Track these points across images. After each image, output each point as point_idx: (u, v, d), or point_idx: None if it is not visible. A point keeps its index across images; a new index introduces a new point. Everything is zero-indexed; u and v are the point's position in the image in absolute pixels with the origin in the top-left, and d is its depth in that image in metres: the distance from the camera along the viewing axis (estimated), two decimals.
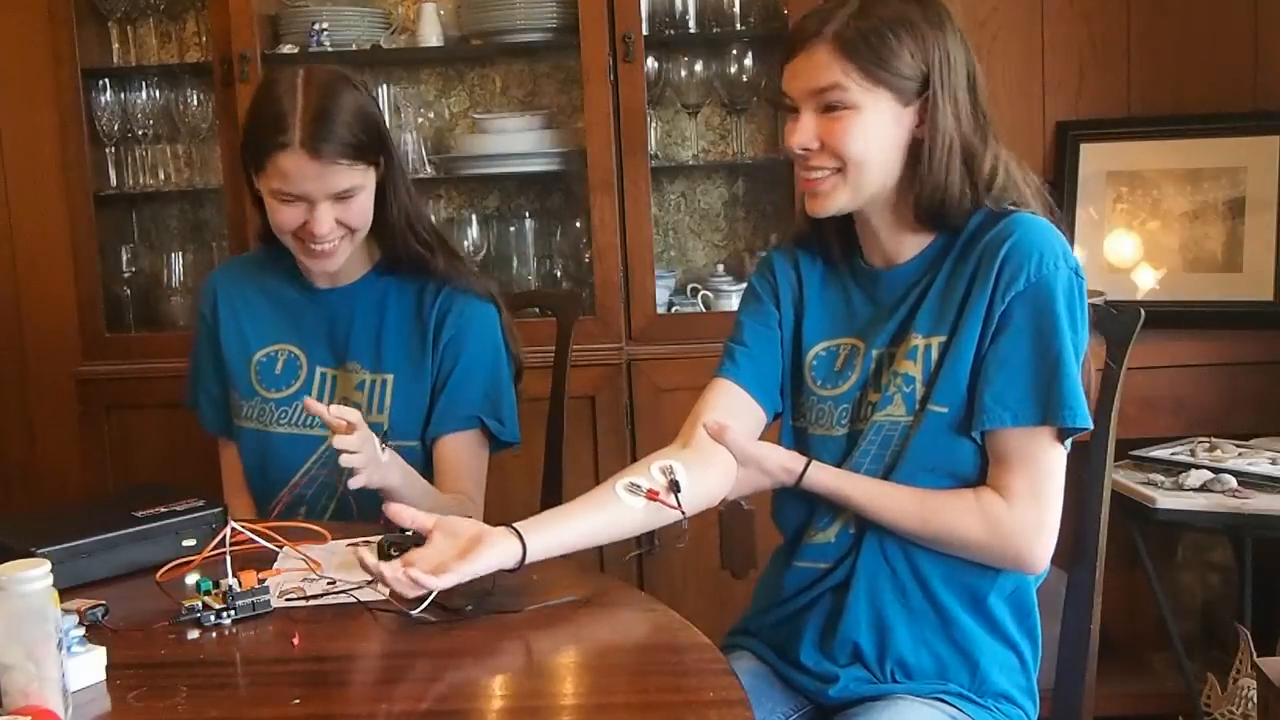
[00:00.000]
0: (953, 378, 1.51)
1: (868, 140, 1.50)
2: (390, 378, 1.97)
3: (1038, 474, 1.49)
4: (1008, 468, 1.50)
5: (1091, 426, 1.49)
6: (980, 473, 1.53)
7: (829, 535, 1.59)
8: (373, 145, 1.89)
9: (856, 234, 1.63)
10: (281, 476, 1.98)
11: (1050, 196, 1.61)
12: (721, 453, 1.57)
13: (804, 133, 1.52)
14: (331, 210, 1.87)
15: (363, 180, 1.89)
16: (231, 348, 2.04)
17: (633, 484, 1.52)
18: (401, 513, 1.47)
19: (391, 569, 1.39)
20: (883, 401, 1.55)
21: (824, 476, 1.55)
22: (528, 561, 1.45)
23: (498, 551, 1.43)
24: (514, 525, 1.47)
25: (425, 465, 1.96)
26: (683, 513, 1.52)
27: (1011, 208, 1.54)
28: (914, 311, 1.56)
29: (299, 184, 1.84)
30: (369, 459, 1.70)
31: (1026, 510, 1.49)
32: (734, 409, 1.63)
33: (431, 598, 1.47)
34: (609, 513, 1.52)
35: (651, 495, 1.51)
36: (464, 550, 1.42)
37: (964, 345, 1.50)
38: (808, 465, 1.56)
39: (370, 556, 1.44)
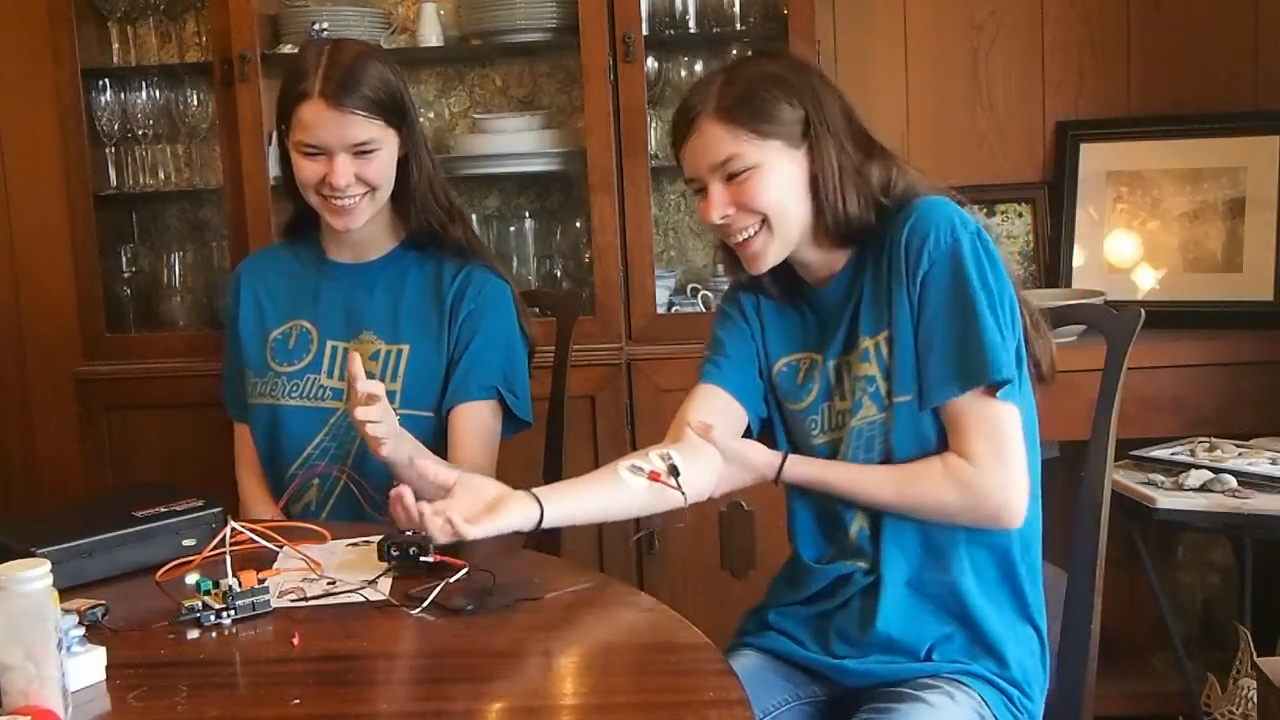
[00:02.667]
0: (903, 367, 1.58)
1: (776, 190, 1.61)
2: (406, 348, 2.02)
3: (993, 433, 1.55)
4: (964, 433, 1.56)
5: (1011, 377, 1.53)
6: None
7: (848, 542, 1.64)
8: (393, 108, 1.97)
9: (791, 264, 1.70)
10: (293, 449, 2.03)
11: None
12: (708, 450, 1.65)
13: (718, 205, 1.62)
14: (350, 164, 1.94)
15: (381, 136, 1.96)
16: (249, 327, 2.10)
17: (635, 466, 1.61)
18: (427, 466, 1.56)
19: (430, 510, 1.45)
20: (854, 407, 1.63)
21: (803, 468, 1.63)
22: (543, 526, 1.52)
23: (519, 512, 1.51)
24: (532, 490, 1.54)
25: (438, 437, 1.99)
26: (683, 494, 1.60)
27: (909, 194, 1.63)
28: (855, 317, 1.64)
29: (318, 132, 1.93)
30: (391, 430, 1.76)
31: (994, 469, 1.55)
32: (717, 410, 1.70)
33: (432, 597, 1.47)
34: (614, 491, 1.61)
35: (654, 477, 1.60)
36: (489, 506, 1.49)
37: (903, 334, 1.59)
38: (785, 458, 1.64)
39: (409, 496, 1.49)
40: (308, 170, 1.96)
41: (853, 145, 1.63)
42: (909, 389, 1.58)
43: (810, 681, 1.64)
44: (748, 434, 1.73)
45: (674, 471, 1.60)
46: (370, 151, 1.95)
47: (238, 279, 2.15)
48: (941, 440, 1.58)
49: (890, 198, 1.63)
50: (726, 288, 1.85)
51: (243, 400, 2.11)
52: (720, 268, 2.98)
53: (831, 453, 1.65)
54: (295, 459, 2.03)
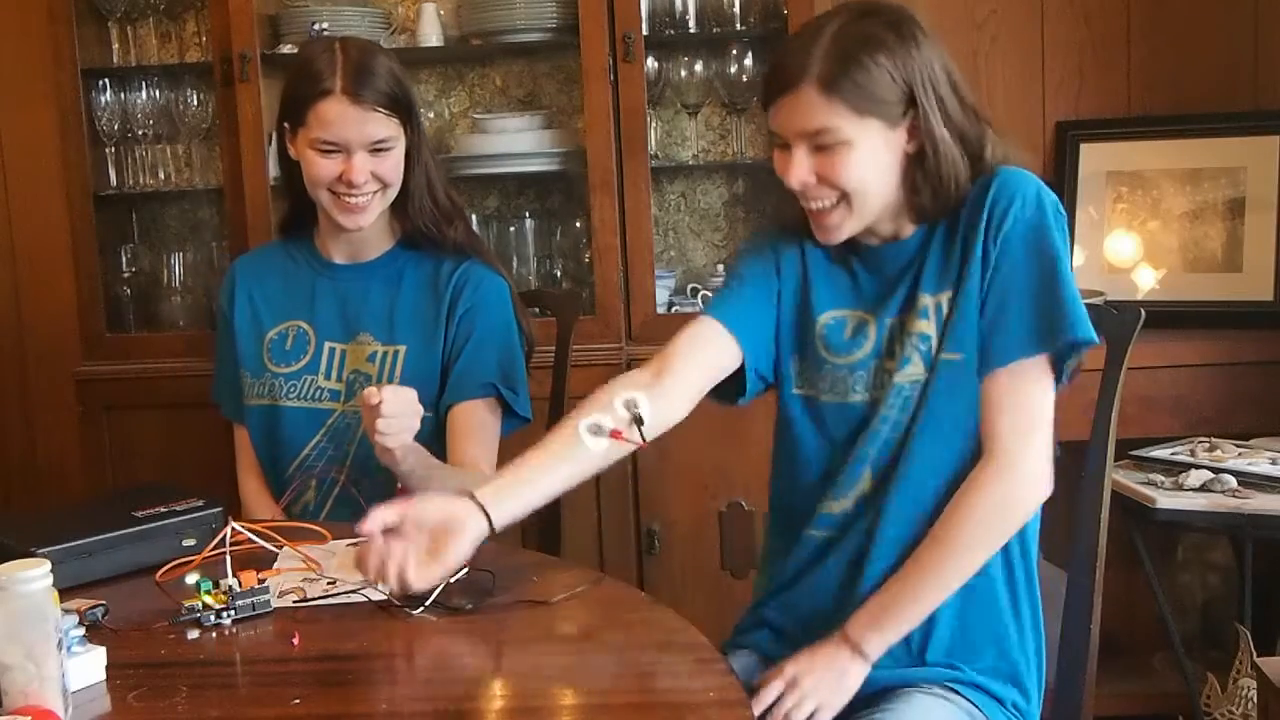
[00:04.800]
0: (963, 325, 1.55)
1: (864, 170, 1.55)
2: (403, 349, 2.02)
3: (1029, 409, 1.54)
4: (999, 409, 1.53)
5: (1093, 337, 1.52)
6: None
7: (847, 504, 1.61)
8: (406, 104, 2.00)
9: None
10: (290, 450, 2.04)
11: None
12: (680, 386, 1.61)
13: (799, 170, 1.56)
14: (368, 161, 1.95)
15: (397, 133, 1.98)
16: (244, 328, 2.10)
17: (596, 425, 1.55)
18: (371, 520, 1.46)
19: (379, 576, 1.44)
20: (901, 363, 1.58)
21: (876, 638, 1.52)
22: (498, 531, 1.48)
23: (468, 539, 1.46)
24: (476, 497, 1.48)
25: (437, 436, 1.98)
26: (645, 446, 1.57)
27: (994, 164, 1.59)
28: (919, 277, 1.60)
29: (340, 129, 1.93)
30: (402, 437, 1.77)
31: (1023, 446, 1.53)
32: (707, 344, 1.65)
33: (433, 597, 1.47)
34: (570, 460, 1.55)
35: (615, 435, 1.55)
36: (437, 542, 1.44)
37: (969, 292, 1.55)
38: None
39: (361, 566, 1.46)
40: (323, 168, 1.96)
41: (958, 118, 1.56)
42: (960, 348, 1.55)
43: None
44: (738, 382, 1.66)
45: (638, 421, 1.56)
46: (386, 149, 1.97)
47: (232, 279, 2.15)
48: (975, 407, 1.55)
49: (985, 173, 1.58)
50: (771, 211, 1.78)
51: (238, 400, 2.11)
52: (720, 267, 3.01)
53: (867, 412, 1.60)
54: (293, 460, 2.03)
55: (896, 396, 1.58)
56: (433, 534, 1.45)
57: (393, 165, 1.99)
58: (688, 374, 1.62)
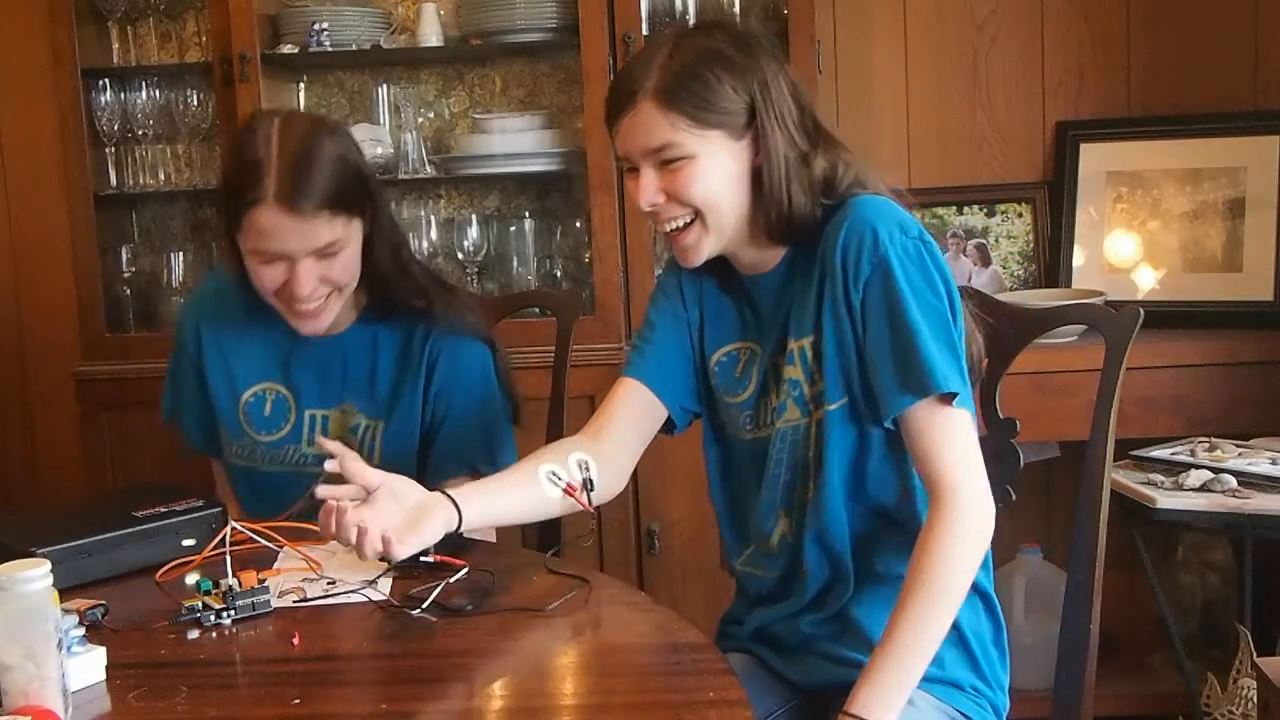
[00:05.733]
0: (834, 372, 1.52)
1: (711, 184, 1.52)
2: (381, 424, 1.93)
3: (955, 440, 1.46)
4: (929, 447, 1.47)
5: (959, 389, 1.46)
6: (893, 457, 1.54)
7: (773, 545, 1.61)
8: (356, 195, 1.80)
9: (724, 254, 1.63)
10: (276, 507, 1.90)
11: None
12: (623, 452, 1.65)
13: (648, 191, 1.53)
14: (315, 267, 1.78)
15: (345, 234, 1.79)
16: (219, 387, 1.97)
17: (554, 473, 1.59)
18: (347, 463, 1.50)
19: (348, 534, 1.43)
20: (779, 408, 1.57)
21: (892, 703, 1.42)
22: (461, 529, 1.51)
23: (440, 521, 1.48)
24: (449, 493, 1.52)
25: None
26: (592, 512, 1.61)
27: (851, 192, 1.55)
28: (788, 318, 1.58)
29: (277, 241, 1.75)
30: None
31: (967, 478, 1.46)
32: (634, 406, 1.67)
33: (432, 598, 1.47)
34: (531, 494, 1.58)
35: (569, 490, 1.58)
36: (410, 518, 1.47)
37: (830, 340, 1.52)
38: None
39: (348, 514, 1.45)
40: (266, 278, 1.79)
41: (801, 135, 1.53)
42: (838, 396, 1.52)
43: (788, 688, 1.62)
44: (669, 426, 1.69)
45: (588, 485, 1.60)
46: (335, 253, 1.78)
47: (194, 323, 2.00)
48: (871, 449, 1.53)
49: (835, 194, 1.54)
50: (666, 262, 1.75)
51: (215, 437, 2.01)
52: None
53: (761, 450, 1.59)
54: (278, 513, 1.95)
55: (782, 440, 1.57)
56: (407, 512, 1.48)
57: (344, 266, 1.81)
58: (623, 435, 1.66)
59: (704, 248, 1.56)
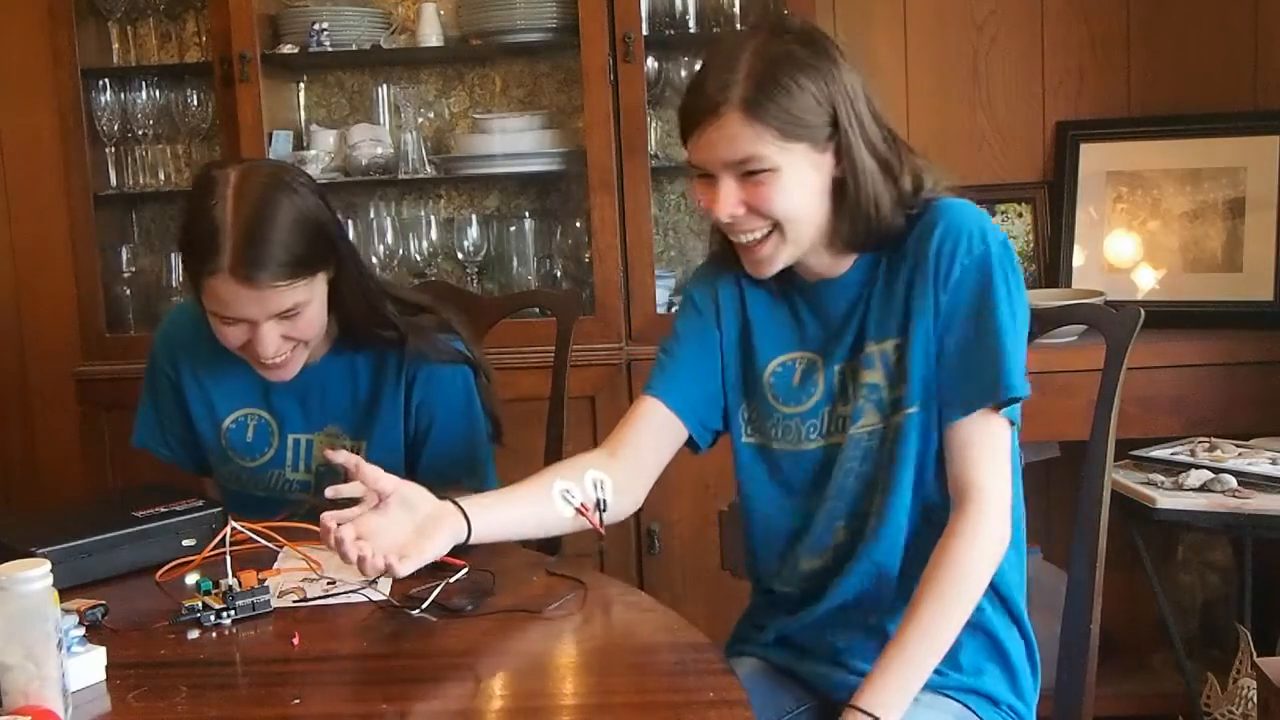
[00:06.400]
0: (915, 378, 1.51)
1: (794, 197, 1.49)
2: (364, 445, 1.91)
3: (994, 453, 1.49)
4: (971, 456, 1.48)
5: (1024, 393, 1.48)
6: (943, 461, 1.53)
7: (820, 562, 1.59)
8: (318, 254, 1.77)
9: None
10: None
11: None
12: (638, 468, 1.62)
13: (728, 203, 1.49)
14: (277, 328, 1.76)
15: (307, 294, 1.76)
16: (199, 413, 1.96)
17: (567, 491, 1.57)
18: (363, 469, 1.48)
19: (355, 548, 1.40)
20: (855, 414, 1.55)
21: (897, 702, 1.43)
22: (469, 541, 1.49)
23: (447, 534, 1.47)
24: (460, 504, 1.50)
25: None
26: (602, 534, 1.58)
27: (929, 196, 1.55)
28: (864, 321, 1.56)
29: (237, 309, 1.73)
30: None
31: (995, 488, 1.48)
32: (654, 426, 1.64)
33: (432, 598, 1.47)
34: (543, 510, 1.56)
35: (581, 510, 1.56)
36: (421, 528, 1.46)
37: (918, 343, 1.51)
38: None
39: (348, 534, 1.43)
40: (229, 337, 1.78)
41: (882, 143, 1.52)
42: (917, 401, 1.51)
43: (806, 691, 1.61)
44: (693, 444, 1.67)
45: (600, 506, 1.58)
46: (296, 313, 1.76)
47: (170, 349, 1.97)
48: (935, 452, 1.52)
49: (919, 200, 1.54)
50: (701, 264, 1.71)
51: (199, 457, 1.99)
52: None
53: (824, 459, 1.58)
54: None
55: (856, 447, 1.55)
56: (418, 520, 1.47)
57: (309, 322, 1.78)
58: (641, 455, 1.63)
59: (780, 258, 1.54)
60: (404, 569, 1.41)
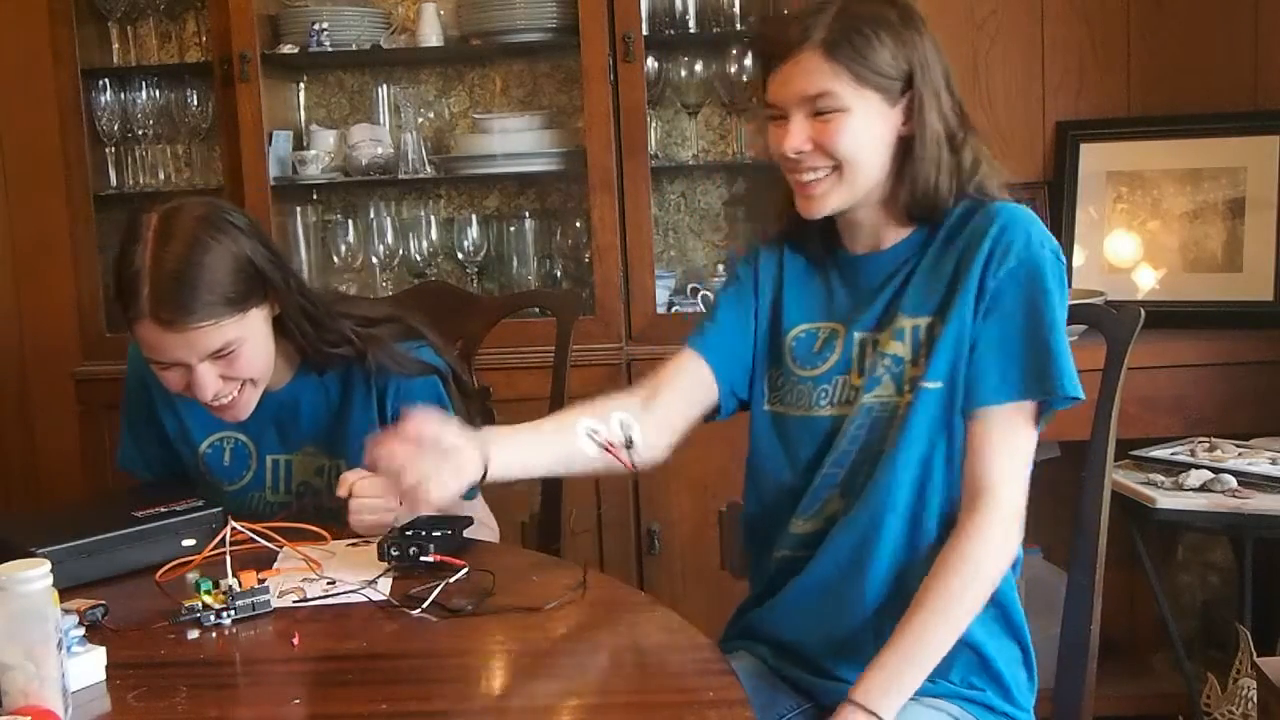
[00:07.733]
0: (945, 354, 1.52)
1: (859, 140, 1.53)
2: (343, 461, 1.88)
3: (1015, 454, 1.51)
4: (993, 451, 1.50)
5: (1081, 395, 1.50)
6: (956, 462, 1.54)
7: (815, 524, 1.60)
8: (249, 290, 1.73)
9: (838, 226, 1.65)
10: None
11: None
12: (670, 420, 1.64)
13: (796, 137, 1.54)
14: (213, 369, 1.72)
15: (241, 332, 1.72)
16: (176, 437, 1.94)
17: (594, 430, 1.58)
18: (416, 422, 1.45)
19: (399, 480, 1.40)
20: (870, 383, 1.56)
21: (893, 698, 1.44)
22: (488, 480, 1.48)
23: (467, 476, 1.44)
24: (482, 435, 1.49)
25: None
26: (634, 469, 1.59)
27: (992, 198, 1.59)
28: (899, 295, 1.58)
29: (166, 353, 1.71)
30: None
31: (1015, 501, 1.50)
32: (690, 377, 1.67)
33: (432, 598, 1.47)
34: (568, 447, 1.57)
35: (608, 447, 1.57)
36: (438, 466, 1.42)
37: (954, 324, 1.52)
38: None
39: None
40: (168, 380, 1.74)
41: (953, 116, 1.56)
42: (940, 377, 1.52)
43: (803, 694, 1.61)
44: (713, 412, 1.69)
45: (629, 443, 1.58)
46: (231, 352, 1.72)
47: (140, 377, 1.93)
48: (954, 437, 1.52)
49: (974, 184, 1.58)
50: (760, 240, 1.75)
51: (187, 478, 1.96)
52: (720, 267, 3.01)
53: (832, 428, 1.59)
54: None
55: (865, 415, 1.56)
56: (447, 458, 1.43)
57: (249, 360, 1.74)
58: (674, 404, 1.65)
59: (832, 200, 1.57)
60: (439, 497, 1.40)
